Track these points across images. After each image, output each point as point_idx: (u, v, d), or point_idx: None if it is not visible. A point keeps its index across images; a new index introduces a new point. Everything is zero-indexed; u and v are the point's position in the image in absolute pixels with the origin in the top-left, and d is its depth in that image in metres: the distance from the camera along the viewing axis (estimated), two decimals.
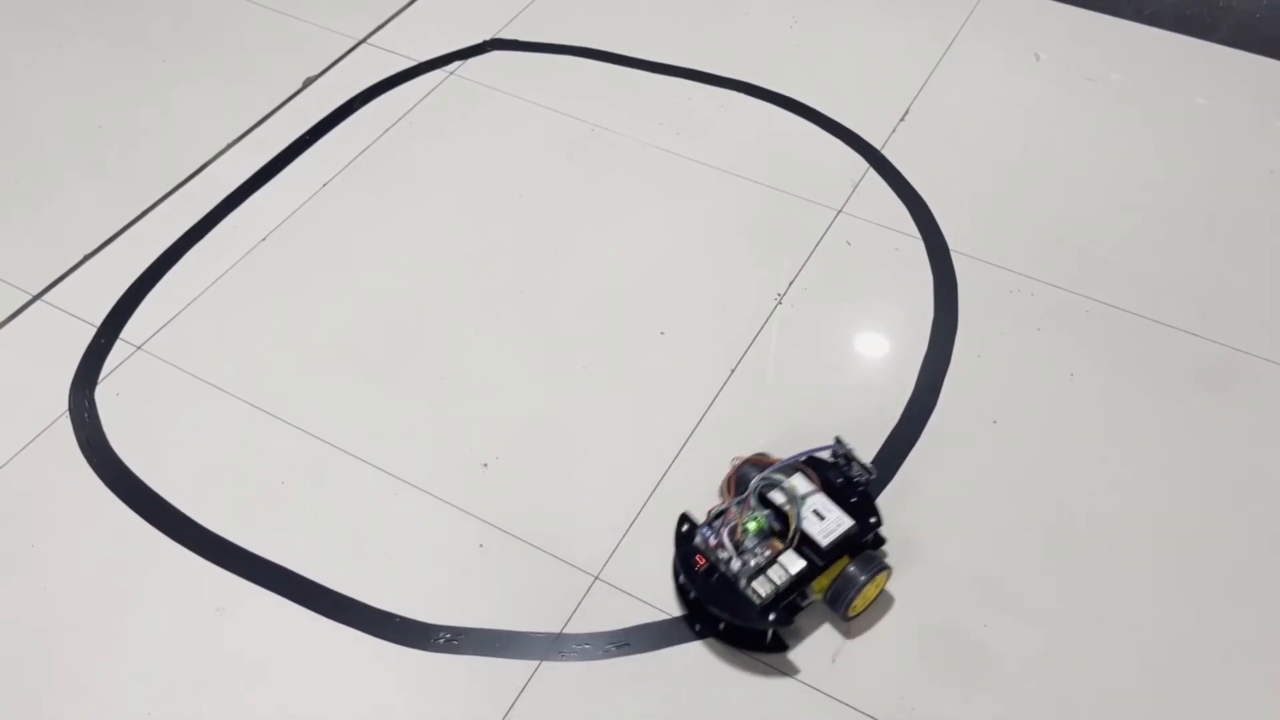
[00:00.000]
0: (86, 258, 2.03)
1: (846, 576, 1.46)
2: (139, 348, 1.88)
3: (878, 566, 1.48)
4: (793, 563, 1.43)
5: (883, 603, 1.55)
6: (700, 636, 1.51)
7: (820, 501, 1.48)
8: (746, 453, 1.59)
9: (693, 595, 1.50)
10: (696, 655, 1.51)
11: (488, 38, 2.45)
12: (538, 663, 1.50)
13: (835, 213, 2.07)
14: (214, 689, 1.49)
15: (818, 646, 1.51)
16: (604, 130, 2.24)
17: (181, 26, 2.50)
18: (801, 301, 1.93)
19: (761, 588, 1.42)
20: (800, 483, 1.51)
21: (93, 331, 1.91)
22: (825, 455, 1.57)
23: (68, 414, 1.79)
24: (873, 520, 1.50)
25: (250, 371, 1.84)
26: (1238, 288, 1.95)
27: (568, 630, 1.53)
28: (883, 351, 1.88)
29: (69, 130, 2.28)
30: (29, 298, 1.97)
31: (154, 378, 1.84)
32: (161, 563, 1.62)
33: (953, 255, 2.00)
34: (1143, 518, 1.65)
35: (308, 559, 1.62)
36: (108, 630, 1.55)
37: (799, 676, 1.48)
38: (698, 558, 1.48)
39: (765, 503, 1.50)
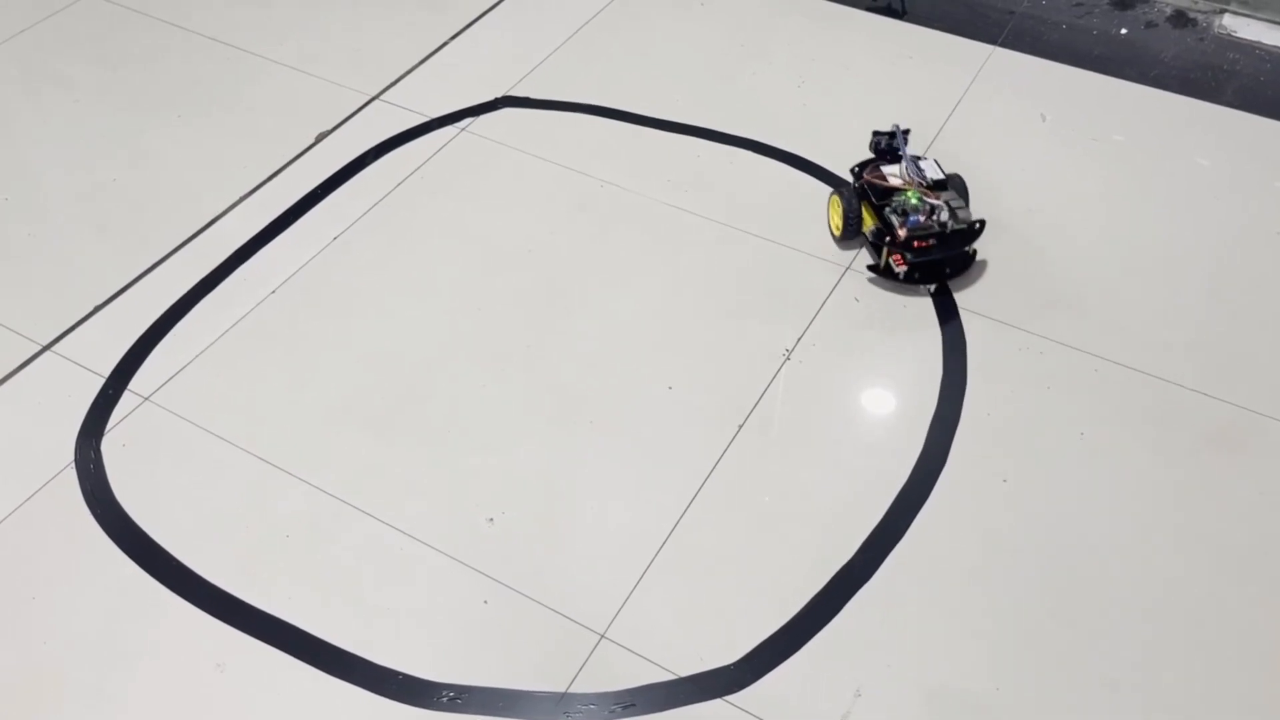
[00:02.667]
0: (97, 309, 2.04)
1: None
2: (147, 399, 1.88)
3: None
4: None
5: (894, 669, 1.53)
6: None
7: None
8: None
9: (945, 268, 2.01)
10: (705, 716, 1.48)
11: (500, 94, 2.48)
12: None
13: (843, 270, 2.07)
14: None
15: (828, 707, 1.49)
16: (613, 186, 2.25)
17: (196, 82, 2.54)
18: (809, 358, 1.93)
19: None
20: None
21: (101, 382, 1.91)
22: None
23: (73, 465, 1.79)
24: None
25: (256, 424, 1.84)
26: (1247, 348, 1.94)
27: (573, 690, 1.51)
28: (891, 409, 1.87)
29: (82, 183, 2.30)
30: (39, 348, 1.97)
31: (161, 429, 1.84)
32: (163, 617, 1.60)
33: (961, 313, 2.00)
34: (1153, 579, 1.63)
35: (310, 614, 1.60)
36: (106, 686, 1.53)
37: None
38: (917, 243, 1.98)
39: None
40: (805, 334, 1.96)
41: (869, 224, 2.06)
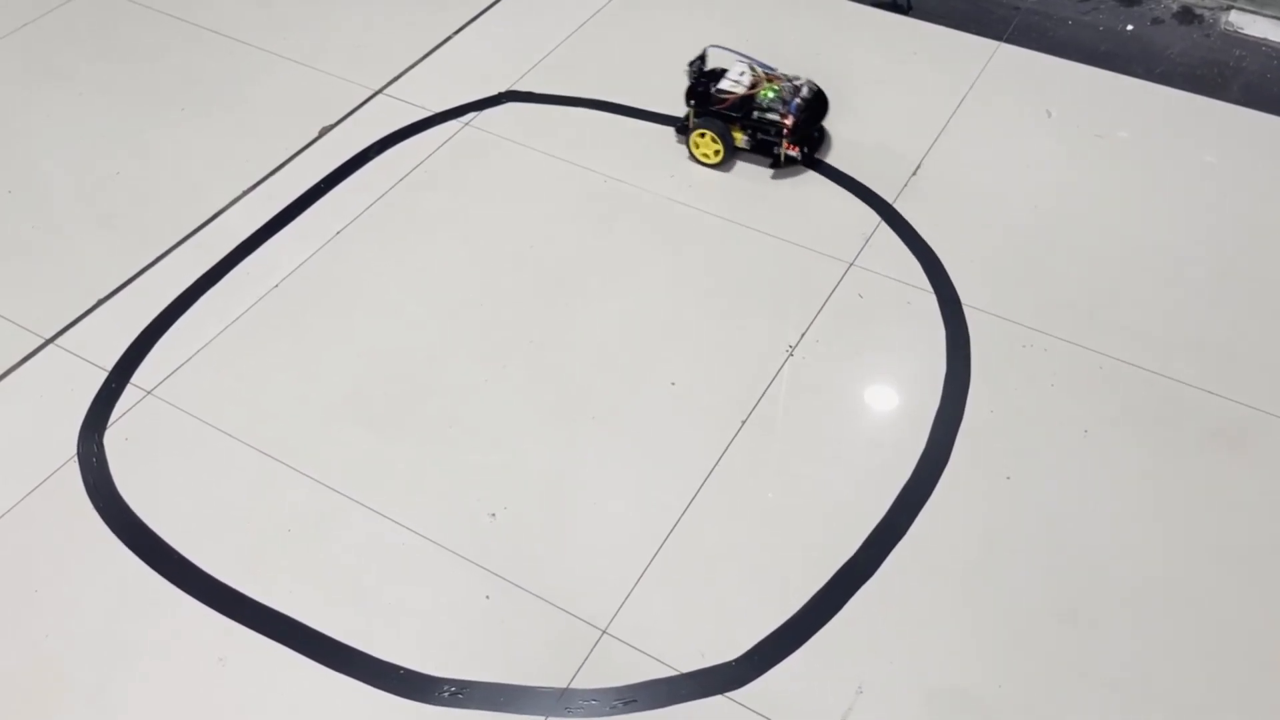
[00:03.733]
0: (100, 303, 2.04)
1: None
2: (149, 393, 1.88)
3: None
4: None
5: (895, 666, 1.52)
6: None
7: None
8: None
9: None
10: (705, 713, 1.48)
11: (503, 89, 2.47)
12: (544, 719, 1.48)
13: (847, 266, 2.07)
14: None
15: (829, 704, 1.49)
16: (617, 182, 2.25)
17: (199, 76, 2.53)
18: (813, 354, 1.92)
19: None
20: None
21: (104, 376, 1.91)
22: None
23: (76, 458, 1.79)
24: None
25: (259, 418, 1.84)
26: (1252, 345, 1.93)
27: (574, 685, 1.51)
28: (894, 405, 1.87)
29: (85, 177, 2.30)
30: (41, 341, 1.97)
31: (163, 423, 1.84)
32: (165, 611, 1.60)
33: (965, 309, 1.99)
34: (1156, 577, 1.62)
35: (312, 609, 1.60)
36: (108, 680, 1.53)
37: None
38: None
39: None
40: (808, 330, 1.96)
41: (740, 139, 2.22)
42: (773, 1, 2.70)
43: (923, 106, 2.41)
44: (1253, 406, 1.84)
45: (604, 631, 1.57)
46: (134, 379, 1.91)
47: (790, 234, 2.13)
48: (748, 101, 2.19)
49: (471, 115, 2.41)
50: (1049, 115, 2.39)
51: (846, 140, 2.33)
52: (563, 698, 1.50)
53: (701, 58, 2.24)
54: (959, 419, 1.83)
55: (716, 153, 2.24)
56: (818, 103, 2.23)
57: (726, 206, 2.19)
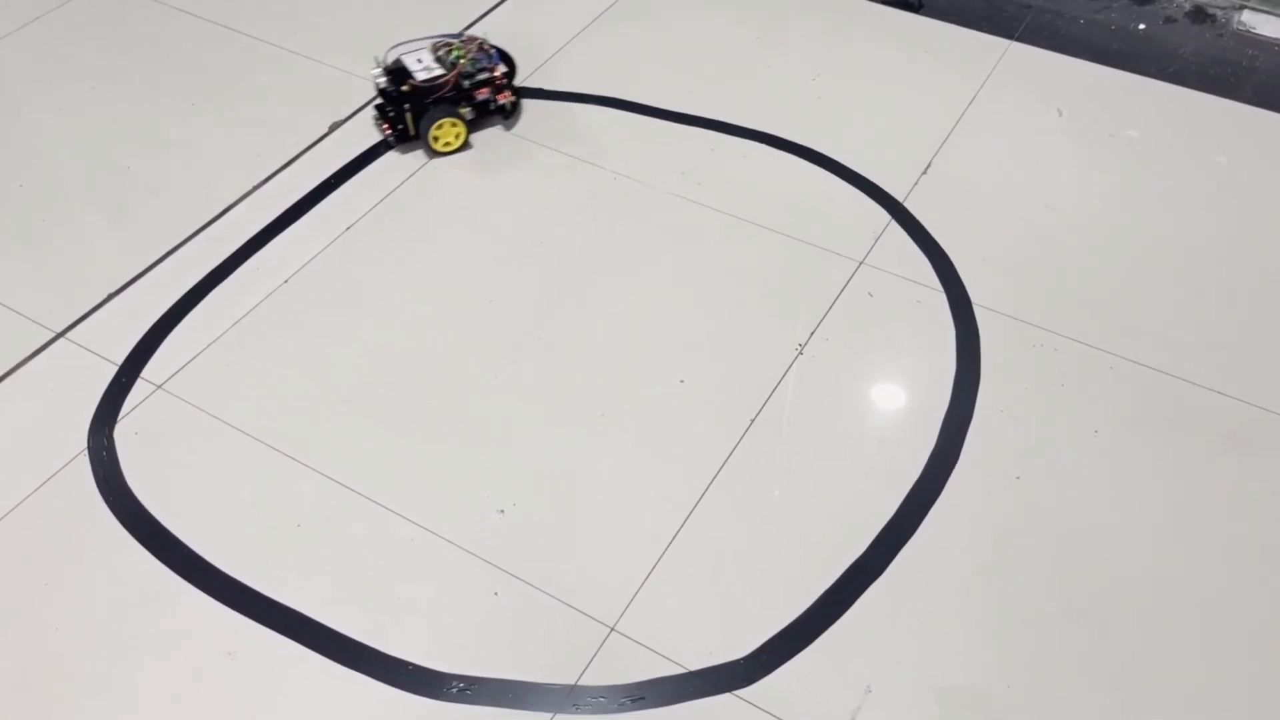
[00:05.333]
0: (110, 296, 2.04)
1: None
2: (159, 387, 1.89)
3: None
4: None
5: (904, 665, 1.52)
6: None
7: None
8: None
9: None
10: (715, 711, 1.48)
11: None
12: (551, 716, 1.48)
13: (857, 264, 2.07)
14: None
15: (838, 703, 1.49)
16: (626, 179, 2.25)
17: (210, 71, 2.53)
18: (822, 353, 1.92)
19: None
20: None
21: (114, 370, 1.91)
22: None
23: (86, 452, 1.79)
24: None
25: (269, 413, 1.84)
26: (1263, 346, 1.93)
27: (582, 682, 1.51)
28: (904, 405, 1.87)
29: (96, 171, 2.30)
30: (52, 335, 1.98)
31: (173, 417, 1.84)
32: (174, 605, 1.60)
33: (975, 309, 1.99)
34: (1166, 578, 1.62)
35: (321, 603, 1.60)
36: (117, 673, 1.53)
37: None
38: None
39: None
40: (818, 328, 1.96)
41: (466, 112, 2.27)
42: None
43: (933, 105, 2.40)
44: (1264, 408, 1.83)
45: (612, 628, 1.57)
46: (144, 373, 1.91)
47: (800, 232, 2.13)
48: (444, 80, 2.21)
49: None
50: (1060, 114, 2.39)
51: (857, 138, 2.32)
52: (571, 694, 1.50)
53: (385, 64, 2.24)
54: (968, 419, 1.82)
55: (458, 135, 2.27)
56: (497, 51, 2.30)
57: (736, 205, 2.18)
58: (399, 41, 2.26)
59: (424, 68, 2.23)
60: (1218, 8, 2.67)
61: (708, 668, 1.52)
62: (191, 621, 1.58)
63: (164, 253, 2.12)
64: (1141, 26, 2.64)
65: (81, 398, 1.87)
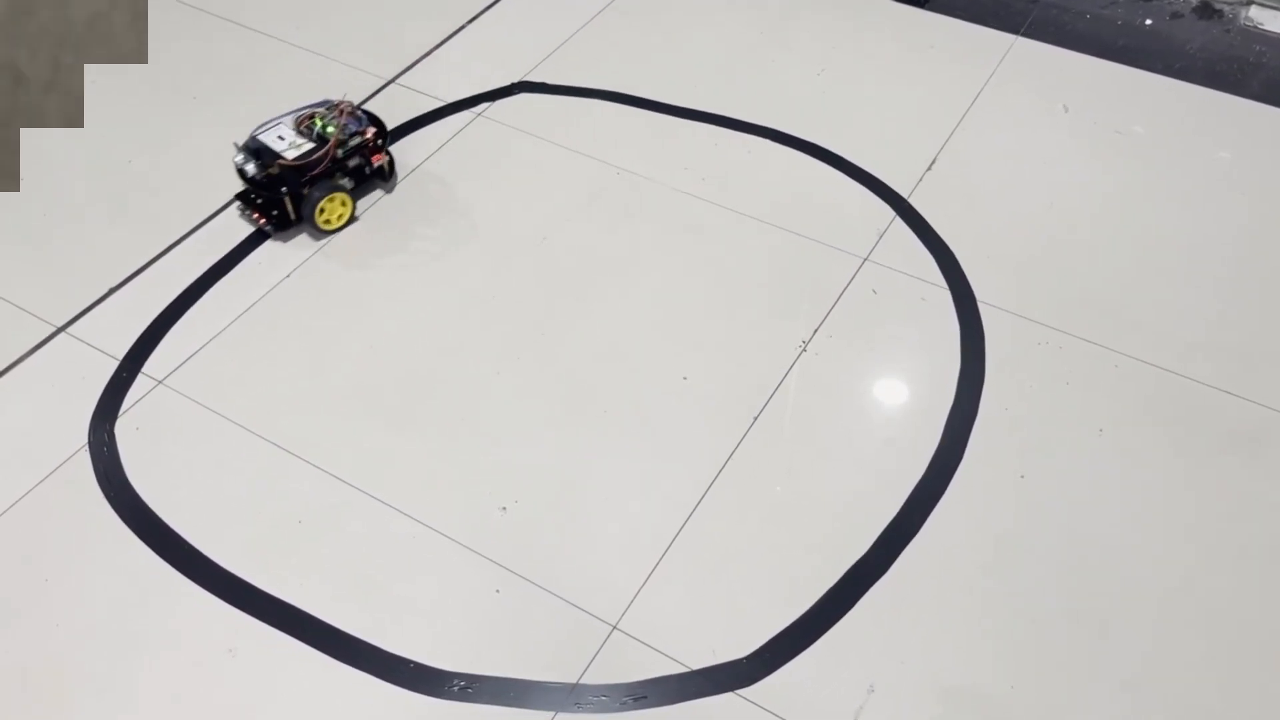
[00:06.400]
0: (111, 291, 2.04)
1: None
2: (160, 382, 1.88)
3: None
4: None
5: (907, 665, 1.52)
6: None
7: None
8: None
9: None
10: (717, 710, 1.48)
11: (516, 80, 2.46)
12: (553, 714, 1.48)
13: (861, 261, 2.06)
14: None
15: (841, 703, 1.48)
16: (630, 174, 2.24)
17: (212, 65, 2.52)
18: (826, 350, 1.91)
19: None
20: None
21: (115, 365, 1.91)
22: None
23: (87, 447, 1.79)
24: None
25: (270, 409, 1.84)
26: (1270, 345, 1.92)
27: (584, 681, 1.51)
28: (908, 402, 1.86)
29: (97, 166, 2.30)
30: (53, 329, 1.97)
31: (174, 413, 1.84)
32: (175, 601, 1.60)
33: (980, 306, 1.98)
34: (1171, 579, 1.61)
35: (322, 601, 1.60)
36: (118, 669, 1.53)
37: None
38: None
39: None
40: (821, 326, 1.95)
41: (346, 182, 2.13)
42: None
43: (939, 100, 2.39)
44: (1271, 407, 1.82)
45: (614, 627, 1.56)
46: (145, 368, 1.90)
47: (804, 228, 2.12)
48: (323, 149, 2.06)
49: (484, 106, 2.40)
50: (1065, 110, 2.37)
51: (861, 134, 2.31)
52: (573, 693, 1.49)
53: (247, 147, 2.08)
54: (973, 417, 1.81)
55: (344, 204, 2.11)
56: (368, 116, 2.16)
57: (740, 200, 2.17)
58: (261, 123, 2.11)
59: (290, 144, 2.07)
60: (1225, 3, 2.66)
61: (710, 667, 1.52)
62: (193, 618, 1.58)
63: (165, 247, 2.12)
64: (1148, 22, 2.62)
65: (82, 393, 1.87)
